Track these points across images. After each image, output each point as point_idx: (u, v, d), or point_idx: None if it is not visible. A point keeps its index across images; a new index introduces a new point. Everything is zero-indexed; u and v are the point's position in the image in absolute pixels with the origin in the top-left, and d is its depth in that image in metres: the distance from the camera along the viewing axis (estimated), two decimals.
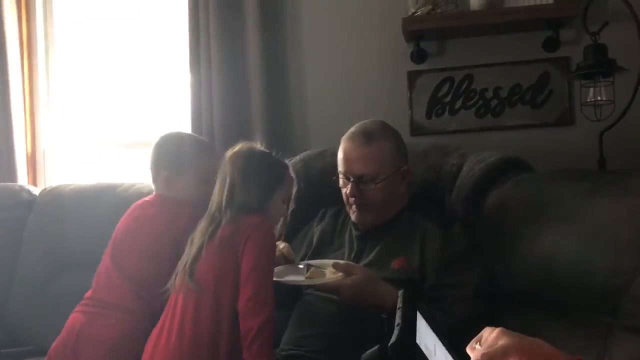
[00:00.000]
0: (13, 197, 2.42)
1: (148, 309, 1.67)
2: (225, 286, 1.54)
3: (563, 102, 2.31)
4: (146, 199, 1.86)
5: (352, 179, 1.72)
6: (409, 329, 0.82)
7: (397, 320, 0.84)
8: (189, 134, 2.07)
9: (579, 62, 2.07)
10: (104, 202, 2.31)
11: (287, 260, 1.70)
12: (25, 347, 2.15)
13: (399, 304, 0.89)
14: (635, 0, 2.06)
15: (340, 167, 1.76)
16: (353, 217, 1.76)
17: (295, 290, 1.72)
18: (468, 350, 0.90)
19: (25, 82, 2.80)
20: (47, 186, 2.62)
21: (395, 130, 1.80)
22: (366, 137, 1.72)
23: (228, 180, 1.61)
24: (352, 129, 1.78)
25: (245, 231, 1.56)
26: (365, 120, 1.81)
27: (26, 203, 2.42)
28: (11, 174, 2.65)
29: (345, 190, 1.74)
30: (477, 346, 0.89)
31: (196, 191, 1.79)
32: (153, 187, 1.88)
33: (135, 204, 1.86)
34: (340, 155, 1.77)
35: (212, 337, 1.51)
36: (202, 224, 1.62)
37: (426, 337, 0.88)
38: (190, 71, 2.49)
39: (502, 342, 0.87)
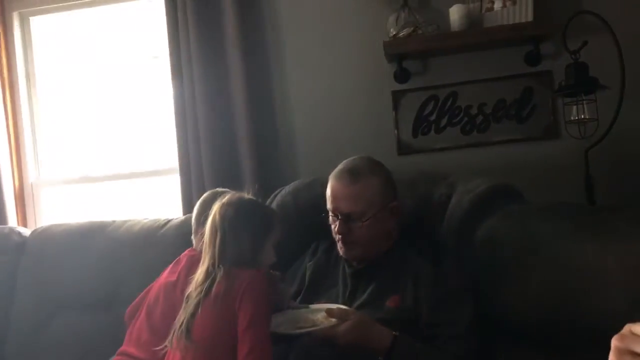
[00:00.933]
0: (3, 240, 2.40)
1: None
2: (221, 341, 1.53)
3: (547, 115, 2.33)
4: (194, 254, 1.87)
5: (340, 217, 1.72)
6: None
7: None
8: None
9: (561, 81, 2.08)
10: (96, 241, 2.31)
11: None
12: None
13: None
14: (614, 16, 2.08)
15: (329, 205, 1.76)
16: (341, 252, 1.77)
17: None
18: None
19: (9, 117, 2.78)
20: (37, 225, 2.62)
21: (383, 167, 1.80)
22: (353, 175, 1.72)
23: (219, 234, 1.61)
24: (339, 167, 1.78)
25: (240, 286, 1.55)
26: (354, 157, 1.81)
27: (17, 246, 2.40)
28: (0, 214, 2.63)
29: (334, 227, 1.75)
30: None
31: None
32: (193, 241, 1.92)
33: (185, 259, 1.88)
34: (328, 192, 1.77)
35: None
36: (196, 280, 1.61)
37: None
38: (173, 92, 2.48)
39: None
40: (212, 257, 1.61)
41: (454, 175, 1.94)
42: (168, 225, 2.30)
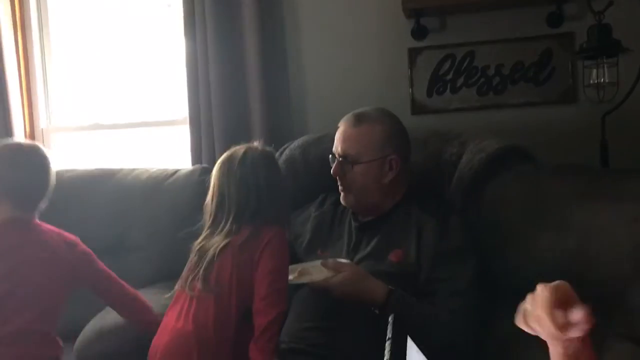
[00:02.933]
0: None
1: None
2: (236, 289, 1.57)
3: (566, 79, 2.27)
4: None
5: (337, 158, 1.73)
6: None
7: (386, 355, 0.84)
8: None
9: (582, 42, 2.01)
10: (104, 188, 2.32)
11: None
12: None
13: (389, 333, 0.89)
14: None
15: (333, 146, 1.77)
16: (341, 199, 1.78)
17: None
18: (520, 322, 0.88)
19: (21, 63, 2.77)
20: None
21: (395, 120, 1.78)
22: (357, 118, 1.74)
23: (245, 189, 1.61)
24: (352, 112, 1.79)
25: (263, 240, 1.58)
26: (370, 106, 1.81)
27: None
28: None
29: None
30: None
31: None
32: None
33: None
34: (336, 134, 1.78)
35: (219, 330, 1.55)
36: (220, 230, 1.62)
37: None
38: (186, 46, 2.44)
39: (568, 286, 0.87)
40: (242, 209, 1.61)
41: (465, 134, 1.91)
42: (176, 175, 2.29)
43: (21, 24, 2.77)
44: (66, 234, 1.86)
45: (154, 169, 2.35)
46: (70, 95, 2.87)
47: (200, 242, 1.65)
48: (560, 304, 0.85)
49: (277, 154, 2.13)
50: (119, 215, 2.29)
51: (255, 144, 1.70)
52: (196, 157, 2.47)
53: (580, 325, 0.83)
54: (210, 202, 1.66)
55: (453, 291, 1.57)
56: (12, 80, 2.69)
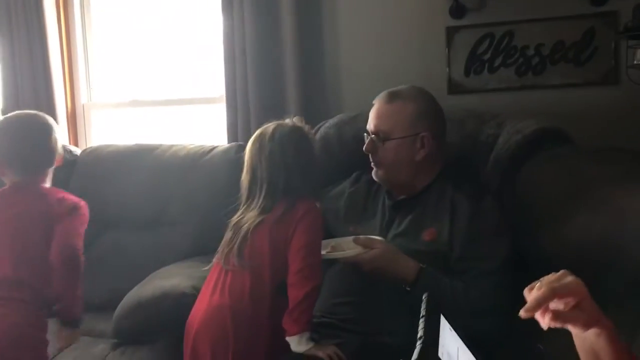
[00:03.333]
0: None
1: None
2: (270, 263, 1.61)
3: (608, 60, 2.21)
4: None
5: (369, 134, 1.74)
6: (431, 343, 0.83)
7: (419, 332, 0.85)
8: None
9: (627, 21, 1.96)
10: (143, 163, 2.37)
11: None
12: None
13: (422, 311, 0.90)
14: None
15: (368, 123, 1.79)
16: (372, 174, 1.79)
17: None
18: (526, 292, 0.88)
19: (63, 38, 2.83)
20: (87, 145, 2.69)
21: (428, 97, 1.78)
22: (391, 96, 1.75)
23: (273, 161, 1.65)
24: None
25: (297, 215, 1.62)
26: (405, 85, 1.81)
27: (68, 163, 2.47)
28: None
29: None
30: (537, 284, 0.87)
31: None
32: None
33: None
34: (370, 112, 1.79)
35: (254, 303, 1.60)
36: (254, 205, 1.66)
37: (449, 342, 0.89)
38: (223, 26, 2.46)
39: (567, 278, 0.86)
40: (275, 183, 1.64)
41: (502, 115, 1.89)
42: (213, 152, 2.33)
43: (64, 3, 2.83)
44: (72, 197, 1.94)
45: (192, 146, 2.39)
46: (110, 72, 2.93)
47: (236, 218, 1.69)
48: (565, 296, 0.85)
49: (311, 130, 2.17)
50: (157, 190, 2.33)
51: (287, 120, 1.73)
52: (232, 135, 2.50)
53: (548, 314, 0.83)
54: (244, 179, 1.70)
55: (484, 271, 1.58)
56: (55, 57, 2.75)
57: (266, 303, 1.61)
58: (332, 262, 1.73)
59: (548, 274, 1.52)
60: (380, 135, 1.72)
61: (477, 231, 1.62)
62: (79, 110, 2.89)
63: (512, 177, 1.69)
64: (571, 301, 0.85)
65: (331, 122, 2.15)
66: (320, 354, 1.51)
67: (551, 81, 2.28)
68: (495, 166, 1.76)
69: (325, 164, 2.09)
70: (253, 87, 2.43)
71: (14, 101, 2.77)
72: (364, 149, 1.77)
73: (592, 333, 0.88)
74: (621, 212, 1.31)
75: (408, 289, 1.57)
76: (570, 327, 0.86)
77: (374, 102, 1.80)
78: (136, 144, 2.47)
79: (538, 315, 0.86)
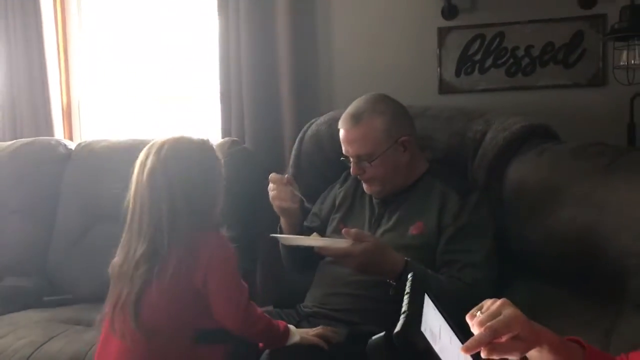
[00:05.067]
0: (50, 151, 2.51)
1: None
2: (180, 329, 1.40)
3: (596, 62, 2.25)
4: None
5: (352, 159, 1.74)
6: (415, 316, 0.85)
7: (403, 307, 0.87)
8: None
9: (614, 23, 2.00)
10: (136, 157, 2.35)
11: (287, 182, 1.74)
12: (64, 296, 2.28)
13: (407, 289, 0.93)
14: None
15: (343, 149, 1.77)
16: (365, 189, 1.80)
17: (311, 253, 1.76)
18: (468, 318, 0.89)
19: (59, 34, 2.85)
20: (82, 140, 2.71)
21: (389, 102, 1.77)
22: (355, 118, 1.72)
23: (166, 196, 1.35)
24: (346, 110, 1.78)
25: (202, 259, 1.37)
26: (359, 98, 1.80)
27: (62, 157, 2.51)
28: (48, 127, 2.74)
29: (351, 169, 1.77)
30: (478, 314, 0.89)
31: None
32: None
33: None
34: (340, 137, 1.78)
35: None
36: (135, 258, 1.39)
37: (432, 320, 0.91)
38: (219, 23, 2.49)
39: (505, 312, 0.87)
40: (158, 225, 1.35)
41: (490, 112, 1.92)
42: None
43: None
44: None
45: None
46: (106, 68, 2.95)
47: (120, 260, 1.45)
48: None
49: (303, 129, 2.20)
50: None
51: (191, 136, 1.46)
52: (226, 131, 2.53)
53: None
54: (127, 202, 1.44)
55: (468, 263, 1.60)
56: (51, 52, 2.77)
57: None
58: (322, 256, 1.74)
59: (534, 266, 1.56)
60: (362, 158, 1.72)
61: (463, 225, 1.65)
62: (74, 105, 2.92)
63: (500, 173, 1.72)
64: (509, 335, 0.86)
65: (323, 119, 2.18)
66: (314, 340, 1.51)
67: (540, 82, 2.32)
68: (482, 162, 1.79)
69: (317, 160, 2.13)
70: (247, 85, 2.46)
71: (9, 96, 2.79)
72: (351, 173, 1.76)
73: (533, 351, 0.90)
74: (603, 205, 1.35)
75: (394, 283, 1.57)
76: (508, 356, 0.87)
77: (339, 126, 1.78)
78: (130, 139, 2.48)
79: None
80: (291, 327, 1.54)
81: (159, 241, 1.36)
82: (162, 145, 1.41)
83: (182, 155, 1.39)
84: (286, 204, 1.76)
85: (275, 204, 1.78)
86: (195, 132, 1.48)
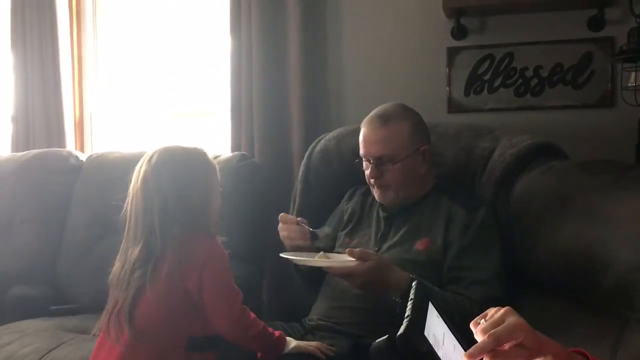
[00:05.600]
0: (62, 162, 2.55)
1: None
2: (173, 330, 1.44)
3: (605, 83, 2.27)
4: None
5: (371, 161, 1.74)
6: (418, 321, 0.86)
7: (407, 312, 0.88)
8: None
9: (622, 44, 2.02)
10: None
11: (298, 223, 1.74)
12: (73, 305, 2.29)
13: (411, 295, 0.93)
14: None
15: (361, 150, 1.79)
16: (376, 196, 1.80)
17: (321, 271, 1.77)
18: (472, 326, 0.90)
19: (75, 48, 2.91)
20: (93, 152, 2.74)
21: (414, 112, 1.81)
22: (383, 119, 1.75)
23: (157, 200, 1.41)
24: (371, 113, 1.80)
25: (195, 262, 1.40)
26: (386, 103, 1.83)
27: (74, 168, 2.54)
28: (60, 138, 2.78)
29: (367, 172, 1.77)
30: (482, 322, 0.90)
31: None
32: None
33: None
34: (360, 138, 1.79)
35: None
36: (132, 260, 1.44)
37: (436, 327, 0.91)
38: (231, 40, 2.53)
39: (509, 320, 0.87)
40: (151, 229, 1.41)
41: (498, 130, 1.93)
42: (216, 160, 2.36)
43: (77, 15, 2.93)
44: None
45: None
46: (120, 82, 2.99)
47: (118, 269, 1.49)
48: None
49: (312, 145, 2.21)
50: None
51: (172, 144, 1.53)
52: (235, 146, 2.55)
53: None
54: (125, 210, 1.50)
55: (476, 280, 1.60)
56: (65, 66, 2.82)
57: None
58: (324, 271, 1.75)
59: (540, 280, 1.56)
60: (384, 160, 1.72)
61: (471, 242, 1.65)
62: (86, 118, 2.96)
63: (507, 189, 1.72)
64: (512, 343, 0.87)
65: (331, 134, 2.20)
66: (311, 348, 1.52)
67: (549, 102, 2.33)
68: (490, 178, 1.79)
69: (325, 174, 2.14)
70: (257, 101, 2.49)
71: (24, 108, 2.84)
72: (368, 175, 1.76)
73: None
74: (609, 219, 1.35)
75: (399, 300, 1.56)
76: None
77: (362, 127, 1.79)
78: (141, 151, 2.50)
79: None
80: (288, 338, 1.55)
81: (152, 244, 1.42)
82: (154, 153, 1.49)
83: (172, 160, 1.47)
84: (297, 242, 1.76)
85: (286, 243, 1.79)
86: (193, 143, 1.55)
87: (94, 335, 1.54)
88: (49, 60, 2.79)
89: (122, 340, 1.42)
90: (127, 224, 1.49)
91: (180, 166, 1.46)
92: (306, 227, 1.76)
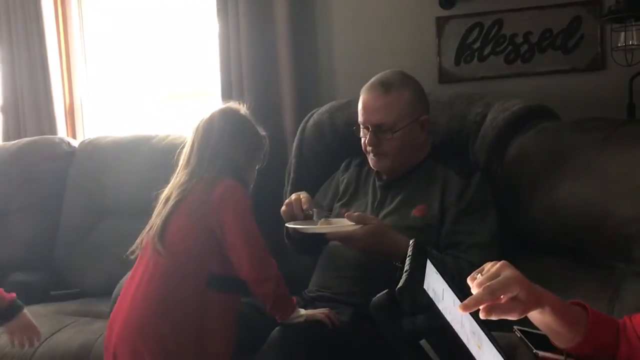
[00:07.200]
0: (54, 149, 2.54)
1: None
2: (194, 252, 1.55)
3: (594, 46, 2.26)
4: None
5: (370, 128, 1.73)
6: (417, 275, 0.86)
7: (406, 267, 0.89)
8: None
9: (611, 5, 2.01)
10: (140, 152, 2.41)
11: (304, 211, 1.72)
12: (71, 290, 2.30)
13: (409, 252, 0.94)
14: None
15: (360, 117, 1.77)
16: (372, 163, 1.79)
17: (320, 238, 1.78)
18: (469, 280, 0.91)
19: (61, 35, 2.89)
20: (85, 138, 2.73)
21: (415, 80, 1.81)
22: (384, 86, 1.73)
23: (214, 138, 1.61)
24: (371, 80, 1.79)
25: (218, 196, 1.55)
26: (386, 71, 1.82)
27: (66, 155, 2.53)
28: (51, 126, 2.77)
29: (365, 140, 1.76)
30: (479, 276, 0.92)
31: None
32: None
33: None
34: (359, 105, 1.78)
35: (180, 303, 1.53)
36: (178, 181, 1.62)
37: (435, 283, 0.92)
38: (218, 20, 2.51)
39: (504, 273, 0.89)
40: (201, 160, 1.60)
41: (490, 95, 1.93)
42: None
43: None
44: None
45: (188, 135, 2.43)
46: (108, 67, 2.98)
47: (164, 193, 1.64)
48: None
49: (304, 119, 2.21)
50: (154, 179, 2.34)
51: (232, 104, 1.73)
52: None
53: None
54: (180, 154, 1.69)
55: (474, 244, 1.61)
56: (52, 52, 2.81)
57: (194, 303, 1.54)
58: (327, 240, 1.76)
59: (536, 241, 1.57)
60: (384, 128, 1.71)
61: (467, 206, 1.66)
62: (77, 104, 2.94)
63: (501, 153, 1.73)
64: (508, 296, 0.88)
65: (323, 108, 2.19)
66: (319, 315, 1.54)
67: (540, 68, 2.32)
68: (483, 143, 1.79)
69: (318, 148, 2.14)
70: (248, 81, 2.47)
71: (13, 98, 2.82)
72: (366, 142, 1.75)
73: (535, 313, 0.92)
74: (604, 175, 1.36)
75: (399, 264, 1.58)
76: (507, 317, 0.89)
77: (362, 94, 1.78)
78: (133, 135, 2.51)
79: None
80: (297, 314, 1.57)
81: (196, 172, 1.60)
82: (237, 113, 1.71)
83: (240, 118, 1.70)
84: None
85: (285, 217, 1.76)
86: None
87: (131, 254, 1.66)
88: (35, 49, 2.77)
89: (152, 257, 1.56)
90: (184, 152, 1.67)
91: (245, 125, 1.68)
92: (310, 212, 1.74)
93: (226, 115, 1.67)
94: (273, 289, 1.53)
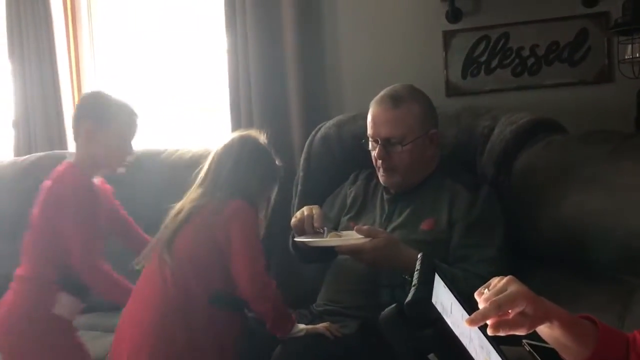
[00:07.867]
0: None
1: None
2: (200, 267, 1.58)
3: (602, 59, 2.26)
4: None
5: (379, 142, 1.74)
6: (425, 289, 0.87)
7: (414, 280, 0.89)
8: None
9: (617, 17, 2.02)
10: (149, 167, 2.42)
11: (315, 228, 1.73)
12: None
13: (417, 266, 0.94)
14: None
15: (369, 131, 1.78)
16: (381, 179, 1.79)
17: (328, 251, 1.78)
18: (476, 295, 0.92)
19: (72, 52, 2.93)
20: None
21: (424, 94, 1.82)
22: (394, 100, 1.74)
23: (230, 165, 1.65)
24: (381, 93, 1.81)
25: (227, 215, 1.59)
26: (395, 84, 1.83)
27: None
28: (61, 142, 2.79)
29: (374, 153, 1.77)
30: (485, 291, 0.92)
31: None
32: None
33: None
34: (369, 118, 1.79)
35: (178, 319, 1.55)
36: (192, 195, 1.66)
37: (443, 297, 0.92)
38: (227, 36, 2.54)
39: (511, 288, 0.89)
40: (215, 182, 1.65)
41: (497, 108, 1.94)
42: None
43: (72, 14, 2.94)
44: None
45: (197, 149, 2.45)
46: (116, 83, 3.00)
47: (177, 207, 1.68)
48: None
49: (312, 133, 2.22)
50: (163, 193, 2.36)
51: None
52: None
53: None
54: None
55: (483, 258, 1.61)
56: (63, 68, 2.84)
57: (197, 320, 1.56)
58: (335, 253, 1.75)
59: (544, 254, 1.57)
60: (393, 141, 1.72)
61: (475, 220, 1.66)
62: None
63: (508, 166, 1.73)
64: (514, 311, 0.88)
65: (331, 122, 2.21)
66: (320, 329, 1.54)
67: (547, 81, 2.33)
68: (490, 156, 1.80)
69: (326, 161, 2.15)
70: (256, 95, 2.49)
71: (24, 113, 2.85)
72: (375, 156, 1.76)
73: (543, 327, 0.92)
74: (611, 188, 1.36)
75: (408, 278, 1.58)
76: (515, 332, 0.89)
77: (372, 107, 1.79)
78: (143, 148, 2.52)
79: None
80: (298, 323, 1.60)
81: (209, 190, 1.64)
82: (258, 141, 1.74)
83: (258, 145, 1.73)
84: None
85: (295, 230, 1.78)
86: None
87: (137, 264, 1.70)
88: (46, 65, 2.80)
89: (159, 264, 1.58)
90: (201, 172, 1.70)
91: (262, 156, 1.71)
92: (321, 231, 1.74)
93: (245, 142, 1.70)
94: (272, 307, 1.56)
